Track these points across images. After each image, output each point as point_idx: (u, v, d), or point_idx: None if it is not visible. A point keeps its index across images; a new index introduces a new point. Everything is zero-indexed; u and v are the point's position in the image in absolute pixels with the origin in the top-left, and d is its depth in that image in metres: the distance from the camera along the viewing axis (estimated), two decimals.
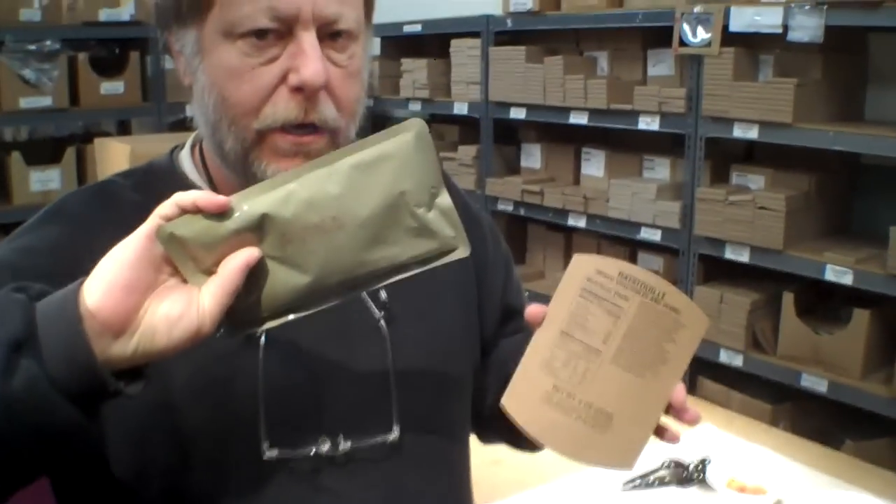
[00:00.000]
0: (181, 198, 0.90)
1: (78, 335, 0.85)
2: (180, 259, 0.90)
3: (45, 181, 4.64)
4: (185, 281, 0.91)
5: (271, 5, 1.03)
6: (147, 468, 1.10)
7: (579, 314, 1.04)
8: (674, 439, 1.07)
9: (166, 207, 0.89)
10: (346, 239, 0.93)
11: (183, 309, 0.89)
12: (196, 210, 0.89)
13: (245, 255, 0.90)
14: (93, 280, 0.88)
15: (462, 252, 0.99)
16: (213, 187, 1.18)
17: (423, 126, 0.97)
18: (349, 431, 1.15)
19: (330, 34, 1.07)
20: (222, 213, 0.90)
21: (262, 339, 1.12)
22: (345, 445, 1.14)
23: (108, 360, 0.87)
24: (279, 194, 0.92)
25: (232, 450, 1.11)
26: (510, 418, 1.04)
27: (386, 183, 0.94)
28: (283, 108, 1.06)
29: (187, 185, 1.20)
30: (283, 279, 0.93)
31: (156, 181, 1.21)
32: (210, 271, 0.91)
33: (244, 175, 1.11)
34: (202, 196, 0.90)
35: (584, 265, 1.04)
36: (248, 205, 0.91)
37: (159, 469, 1.10)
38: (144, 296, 0.88)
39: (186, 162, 1.23)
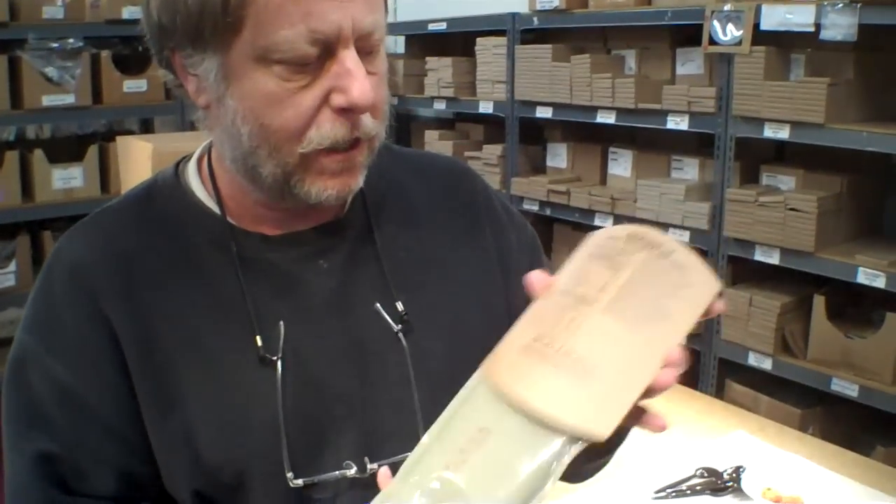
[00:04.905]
0: None
1: None
2: None
3: (68, 179, 4.64)
4: None
5: (312, 27, 0.98)
6: (182, 498, 1.10)
7: (581, 273, 0.93)
8: (657, 427, 0.91)
9: None
10: None
11: None
12: None
13: None
14: None
15: None
16: (221, 203, 1.16)
17: None
18: (375, 452, 1.12)
19: (365, 45, 1.04)
20: None
21: (280, 366, 1.09)
22: (371, 466, 1.11)
23: None
24: None
25: (257, 479, 1.09)
26: (483, 374, 0.91)
27: None
28: (328, 129, 1.03)
29: (192, 202, 1.17)
30: None
31: (159, 198, 1.19)
32: None
33: (279, 195, 1.09)
34: None
35: (597, 234, 0.97)
36: None
37: (191, 498, 1.09)
38: None
39: (193, 177, 1.20)
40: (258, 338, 1.09)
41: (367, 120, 1.06)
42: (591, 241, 0.97)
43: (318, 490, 1.10)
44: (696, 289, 0.93)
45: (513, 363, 0.88)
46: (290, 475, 1.08)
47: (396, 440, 1.13)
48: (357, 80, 1.01)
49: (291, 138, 1.03)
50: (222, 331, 1.10)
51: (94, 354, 1.08)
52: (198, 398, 1.07)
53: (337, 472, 1.10)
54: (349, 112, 1.03)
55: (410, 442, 1.12)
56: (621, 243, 0.94)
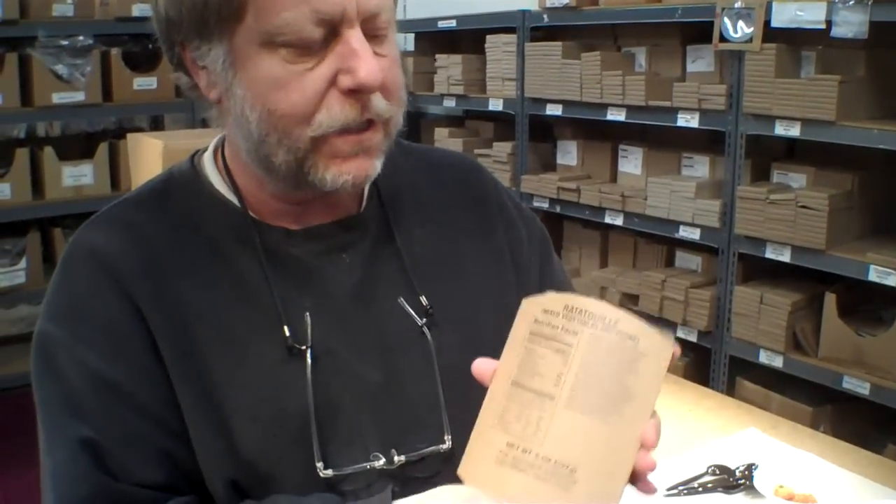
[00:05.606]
0: None
1: None
2: None
3: (78, 176, 4.65)
4: None
5: (314, 7, 0.98)
6: (217, 488, 1.09)
7: (529, 360, 0.90)
8: (649, 491, 0.93)
9: None
10: None
11: None
12: None
13: None
14: None
15: None
16: (239, 195, 1.16)
17: None
18: (402, 445, 1.13)
19: (371, 27, 1.03)
20: None
21: (309, 356, 1.10)
22: (399, 458, 1.12)
23: None
24: None
25: (288, 469, 1.09)
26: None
27: None
28: (338, 111, 1.02)
29: (211, 194, 1.17)
30: None
31: (178, 191, 1.18)
32: None
33: (295, 184, 1.08)
34: None
35: (531, 307, 0.93)
36: None
37: (224, 488, 1.09)
38: None
39: (210, 170, 1.19)
40: (286, 328, 1.10)
41: (378, 101, 1.05)
42: (528, 316, 0.93)
43: (347, 481, 1.10)
44: (651, 357, 0.90)
45: (496, 477, 0.88)
46: (319, 465, 1.08)
47: (423, 432, 1.14)
48: (363, 60, 1.00)
49: (299, 122, 1.03)
50: (249, 320, 1.10)
51: (126, 340, 1.07)
52: (229, 387, 1.07)
53: (366, 464, 1.11)
54: (358, 93, 1.02)
55: (436, 434, 1.14)
56: (560, 319, 0.90)
